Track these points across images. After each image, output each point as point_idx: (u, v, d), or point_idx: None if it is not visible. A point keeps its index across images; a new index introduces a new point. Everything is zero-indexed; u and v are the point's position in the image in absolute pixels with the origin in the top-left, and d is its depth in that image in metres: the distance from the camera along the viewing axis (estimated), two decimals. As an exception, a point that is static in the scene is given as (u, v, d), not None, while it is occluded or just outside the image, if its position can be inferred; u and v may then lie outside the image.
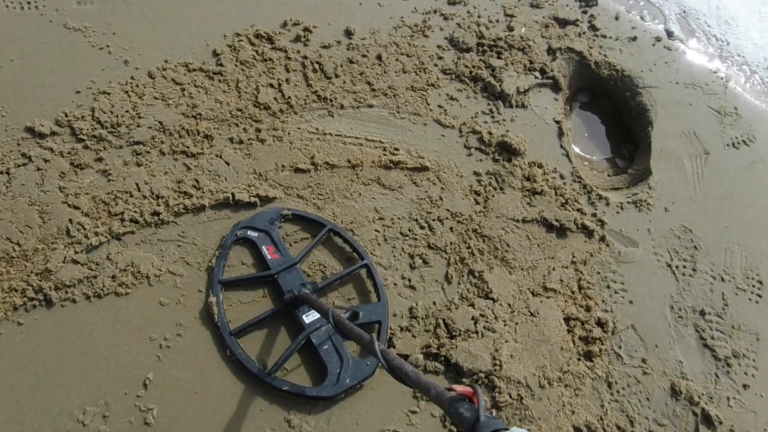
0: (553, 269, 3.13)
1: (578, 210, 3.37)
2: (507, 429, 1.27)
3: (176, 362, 2.43)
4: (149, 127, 3.03)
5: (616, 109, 4.21)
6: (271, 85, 3.39)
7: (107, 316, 2.48)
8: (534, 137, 3.66)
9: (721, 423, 2.84)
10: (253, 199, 2.93)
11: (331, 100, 3.44)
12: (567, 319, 2.97)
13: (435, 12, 4.12)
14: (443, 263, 3.01)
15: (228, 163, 3.04)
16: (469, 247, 3.08)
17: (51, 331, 2.40)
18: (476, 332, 2.80)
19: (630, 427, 2.73)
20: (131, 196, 2.81)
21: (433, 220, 3.13)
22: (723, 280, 3.37)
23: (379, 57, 3.72)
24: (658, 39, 4.49)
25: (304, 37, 3.65)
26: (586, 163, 3.87)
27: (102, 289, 2.53)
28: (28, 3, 3.33)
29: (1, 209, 2.63)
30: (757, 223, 3.68)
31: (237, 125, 3.19)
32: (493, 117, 3.67)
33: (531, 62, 4.00)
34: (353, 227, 3.00)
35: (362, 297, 2.81)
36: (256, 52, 3.50)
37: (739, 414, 2.92)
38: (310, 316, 2.56)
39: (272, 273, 2.65)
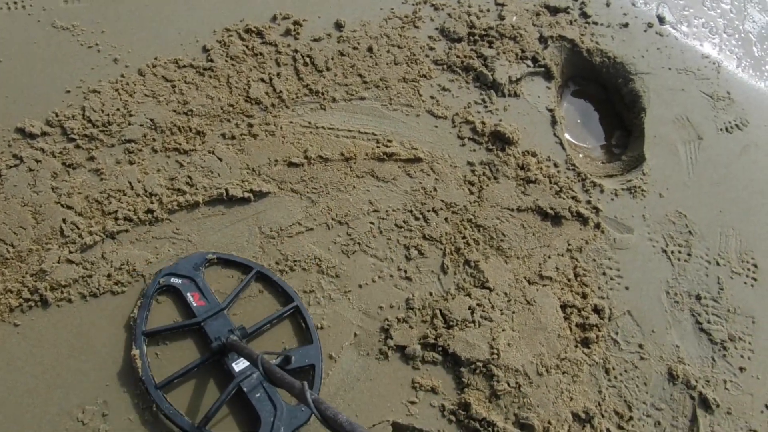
0: (549, 257, 3.14)
1: (573, 198, 3.38)
2: None
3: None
4: (141, 125, 3.02)
5: (609, 97, 4.20)
6: (262, 80, 3.37)
7: (104, 314, 2.48)
8: (527, 126, 3.65)
9: (718, 406, 2.86)
10: (246, 195, 2.92)
11: (322, 94, 3.42)
12: (563, 307, 2.99)
13: (425, 2, 4.09)
14: (439, 254, 3.01)
15: (221, 159, 3.03)
16: (464, 237, 3.09)
17: (48, 332, 2.40)
18: (473, 322, 2.80)
19: (628, 412, 2.75)
20: (124, 194, 2.80)
21: (428, 211, 3.13)
22: (718, 264, 3.38)
23: (370, 49, 3.71)
24: (650, 25, 4.48)
25: (294, 30, 3.63)
26: (580, 150, 3.88)
27: (98, 288, 2.53)
28: (15, 3, 3.30)
29: (-7, 211, 2.62)
30: (751, 207, 3.69)
31: (229, 121, 3.18)
32: (485, 107, 3.67)
33: (523, 51, 3.98)
34: (348, 220, 3.00)
35: (295, 339, 2.65)
36: (247, 46, 3.49)
37: (735, 396, 2.94)
38: (240, 364, 2.41)
39: (198, 321, 2.49)
